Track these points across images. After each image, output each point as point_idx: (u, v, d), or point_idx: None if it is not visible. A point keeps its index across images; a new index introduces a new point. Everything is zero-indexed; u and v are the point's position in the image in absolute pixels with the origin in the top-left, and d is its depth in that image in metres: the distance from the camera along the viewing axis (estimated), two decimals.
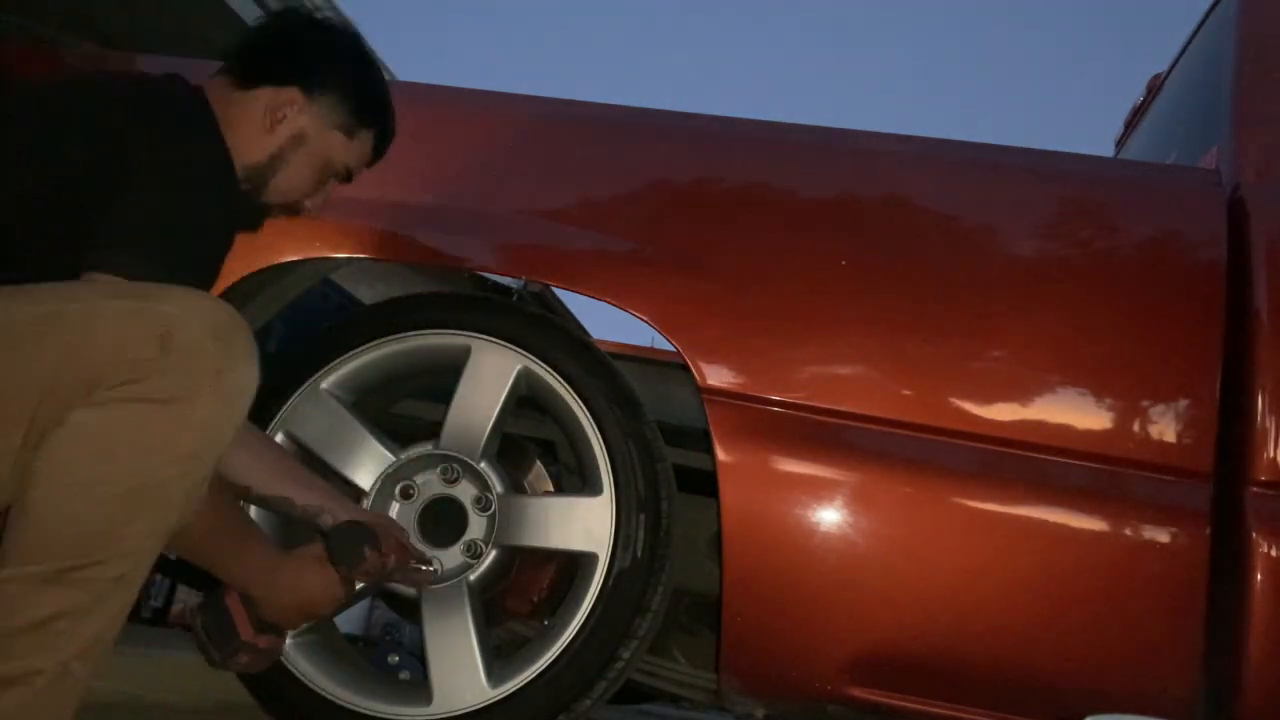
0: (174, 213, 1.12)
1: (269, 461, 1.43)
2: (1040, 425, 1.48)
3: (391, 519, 1.55)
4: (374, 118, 1.40)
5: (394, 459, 1.60)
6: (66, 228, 1.08)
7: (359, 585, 1.42)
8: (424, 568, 1.50)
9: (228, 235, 1.23)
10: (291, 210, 1.39)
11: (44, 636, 0.93)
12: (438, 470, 1.59)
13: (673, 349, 1.56)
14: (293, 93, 1.32)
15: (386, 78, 1.44)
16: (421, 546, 1.55)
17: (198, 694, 2.28)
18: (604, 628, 1.49)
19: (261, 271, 1.61)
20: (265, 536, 1.33)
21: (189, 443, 0.98)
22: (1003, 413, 1.50)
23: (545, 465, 1.82)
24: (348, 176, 1.41)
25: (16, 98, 1.22)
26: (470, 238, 1.65)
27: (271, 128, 1.31)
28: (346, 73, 1.37)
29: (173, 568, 1.56)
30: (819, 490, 1.47)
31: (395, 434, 1.65)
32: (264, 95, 1.31)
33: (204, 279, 1.15)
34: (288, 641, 1.55)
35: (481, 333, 1.60)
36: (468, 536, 1.56)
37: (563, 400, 1.57)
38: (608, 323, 1.97)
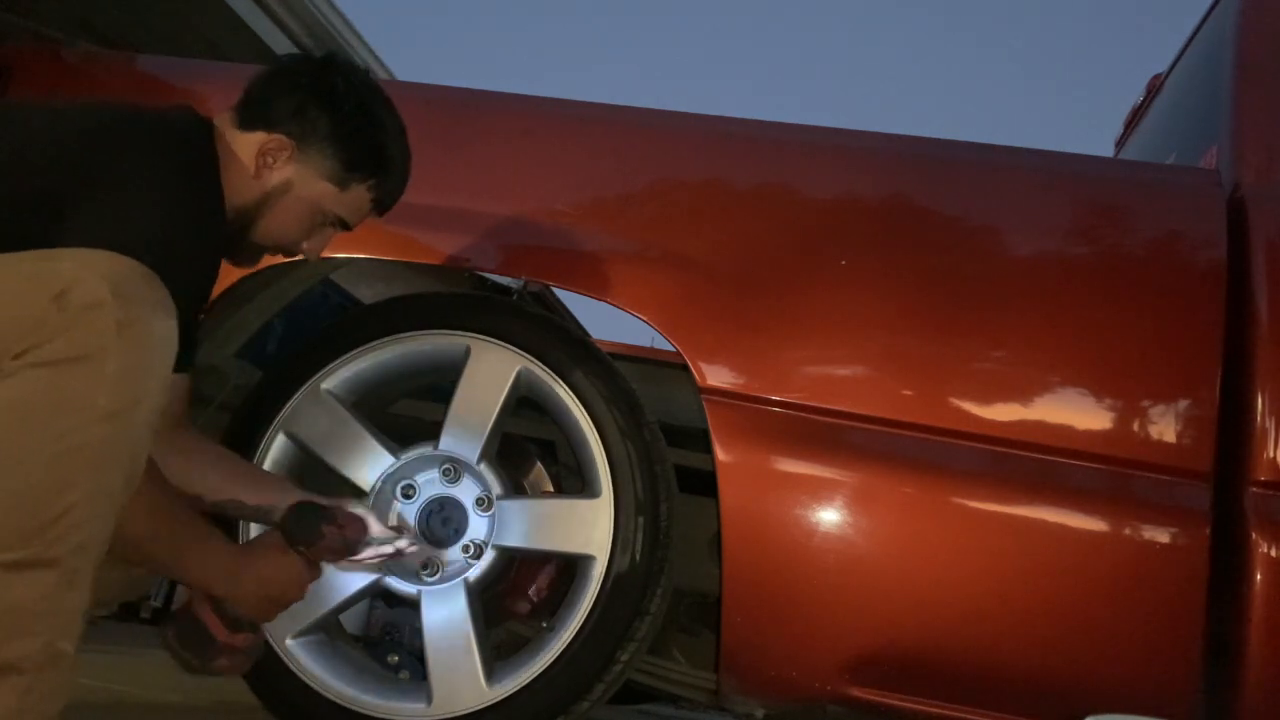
0: (142, 231, 1.10)
1: (216, 467, 1.42)
2: (1040, 425, 1.48)
3: (346, 504, 1.49)
4: (370, 172, 1.34)
5: (394, 459, 1.60)
6: (41, 248, 1.05)
7: (324, 564, 1.39)
8: (397, 540, 1.45)
9: (200, 262, 1.20)
10: (286, 252, 1.37)
11: (24, 621, 0.93)
12: (438, 470, 1.59)
13: (673, 349, 1.56)
14: (282, 140, 1.29)
15: (397, 127, 1.37)
16: (423, 546, 1.55)
17: (198, 694, 2.28)
18: (603, 630, 1.49)
19: (261, 271, 1.61)
20: (221, 534, 1.30)
21: (107, 399, 0.96)
22: (1003, 413, 1.50)
23: (545, 466, 1.82)
24: (345, 226, 1.37)
25: (10, 115, 1.21)
26: (470, 238, 1.65)
27: (258, 173, 1.29)
28: (342, 124, 1.31)
29: None
30: (819, 490, 1.47)
31: (395, 434, 1.65)
32: (256, 139, 1.29)
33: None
34: (289, 641, 1.55)
35: (481, 333, 1.60)
36: (468, 537, 1.56)
37: (562, 401, 1.57)
38: (608, 323, 1.97)
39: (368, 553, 1.42)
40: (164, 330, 1.01)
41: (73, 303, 0.95)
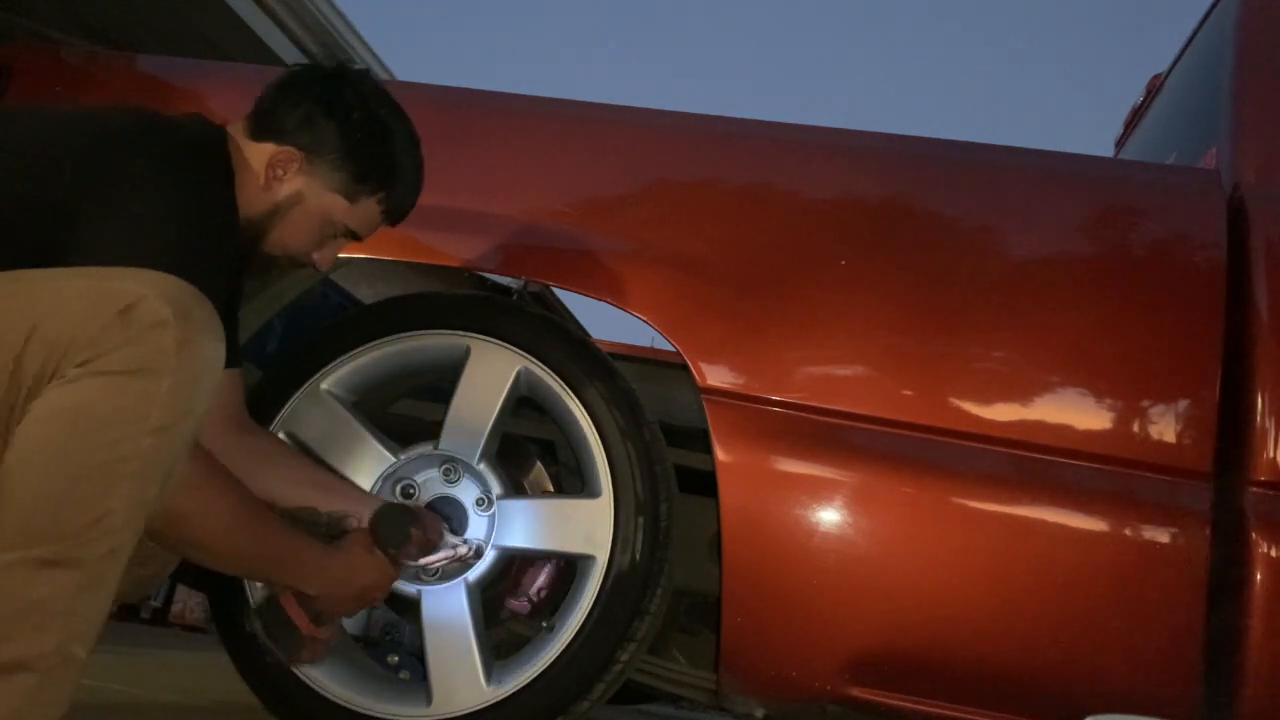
0: (158, 242, 1.11)
1: (292, 474, 1.45)
2: (1040, 425, 1.48)
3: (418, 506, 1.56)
4: (379, 185, 1.35)
5: (394, 459, 1.60)
6: (53, 254, 1.07)
7: (406, 564, 1.44)
8: (459, 545, 1.50)
9: (217, 269, 1.21)
10: (296, 262, 1.38)
11: (42, 619, 0.93)
12: (438, 470, 1.59)
13: (673, 349, 1.56)
14: (291, 152, 1.30)
15: (408, 138, 1.37)
16: (475, 548, 1.56)
17: (198, 694, 2.28)
18: (602, 630, 1.49)
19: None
20: (307, 536, 1.33)
21: (158, 414, 0.98)
22: (1003, 413, 1.50)
23: (545, 466, 1.82)
24: (356, 236, 1.38)
25: (21, 119, 1.22)
26: (470, 238, 1.65)
27: (268, 185, 1.30)
28: (352, 137, 1.31)
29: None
30: (819, 490, 1.47)
31: (395, 434, 1.65)
32: (266, 150, 1.30)
33: None
34: None
35: (481, 333, 1.60)
36: (468, 537, 1.56)
37: (562, 401, 1.57)
38: (608, 323, 1.97)
39: (438, 555, 1.46)
40: (214, 353, 1.03)
41: (137, 319, 0.97)
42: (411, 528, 1.40)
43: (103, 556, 0.96)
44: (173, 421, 0.99)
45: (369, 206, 1.36)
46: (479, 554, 1.54)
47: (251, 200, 1.29)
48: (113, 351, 0.96)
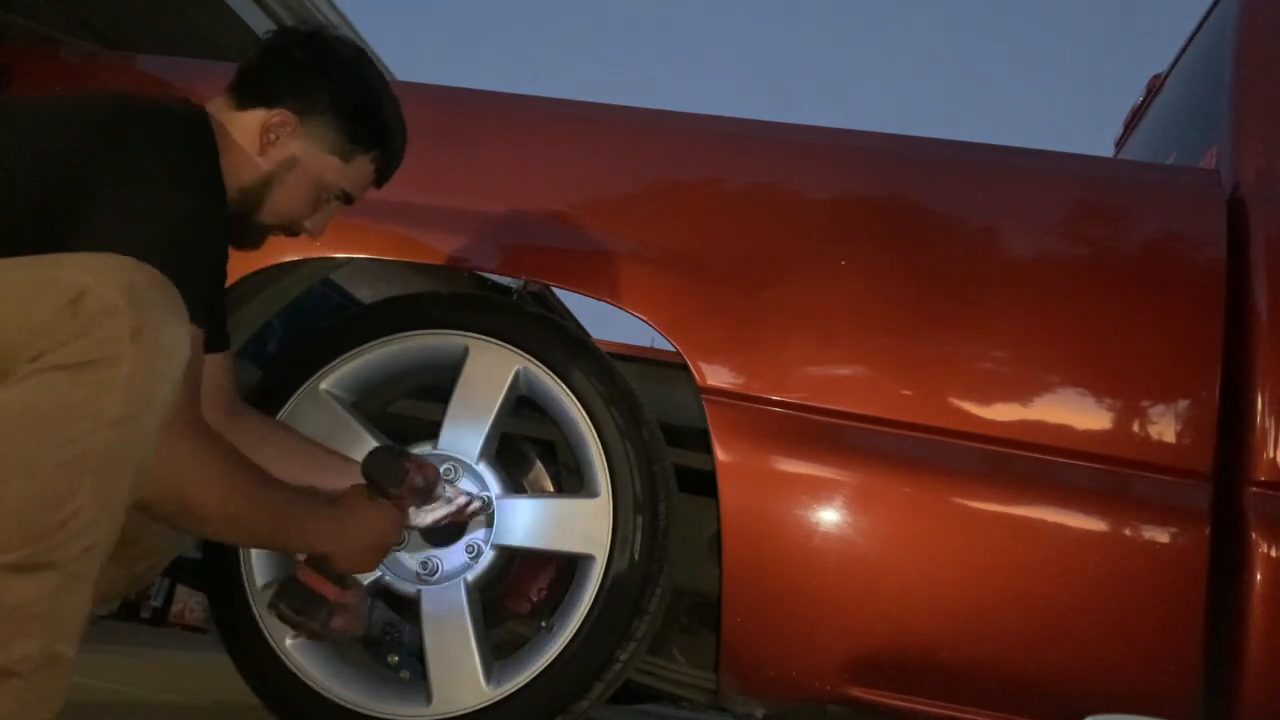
0: (155, 227, 1.10)
1: (289, 454, 1.44)
2: (1040, 425, 1.48)
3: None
4: (372, 142, 1.35)
5: None
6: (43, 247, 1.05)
7: (414, 519, 1.43)
8: (460, 497, 1.48)
9: (213, 249, 1.22)
10: (290, 230, 1.37)
11: (25, 622, 0.93)
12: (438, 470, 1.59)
13: (673, 349, 1.56)
14: (284, 115, 1.29)
15: (391, 96, 1.38)
16: (486, 504, 1.56)
17: (198, 694, 2.28)
18: (602, 629, 1.49)
19: (261, 271, 1.61)
20: (310, 494, 1.32)
21: (116, 405, 0.95)
22: (1003, 413, 1.50)
23: (545, 466, 1.82)
24: (348, 199, 1.38)
25: (13, 114, 1.22)
26: (470, 238, 1.65)
27: (262, 150, 1.29)
28: (342, 96, 1.31)
29: (172, 567, 1.56)
30: (819, 490, 1.47)
31: (395, 434, 1.65)
32: (257, 117, 1.29)
33: (191, 293, 1.12)
34: (288, 642, 1.55)
35: (479, 333, 1.61)
36: (467, 537, 1.56)
37: (560, 401, 1.57)
38: (608, 323, 1.97)
39: (441, 511, 1.45)
40: (175, 336, 1.01)
41: (87, 308, 0.95)
42: (404, 462, 1.38)
43: (78, 555, 0.95)
44: (134, 411, 0.97)
45: (362, 166, 1.35)
46: (486, 507, 1.54)
47: (243, 171, 1.28)
48: (64, 345, 0.94)
